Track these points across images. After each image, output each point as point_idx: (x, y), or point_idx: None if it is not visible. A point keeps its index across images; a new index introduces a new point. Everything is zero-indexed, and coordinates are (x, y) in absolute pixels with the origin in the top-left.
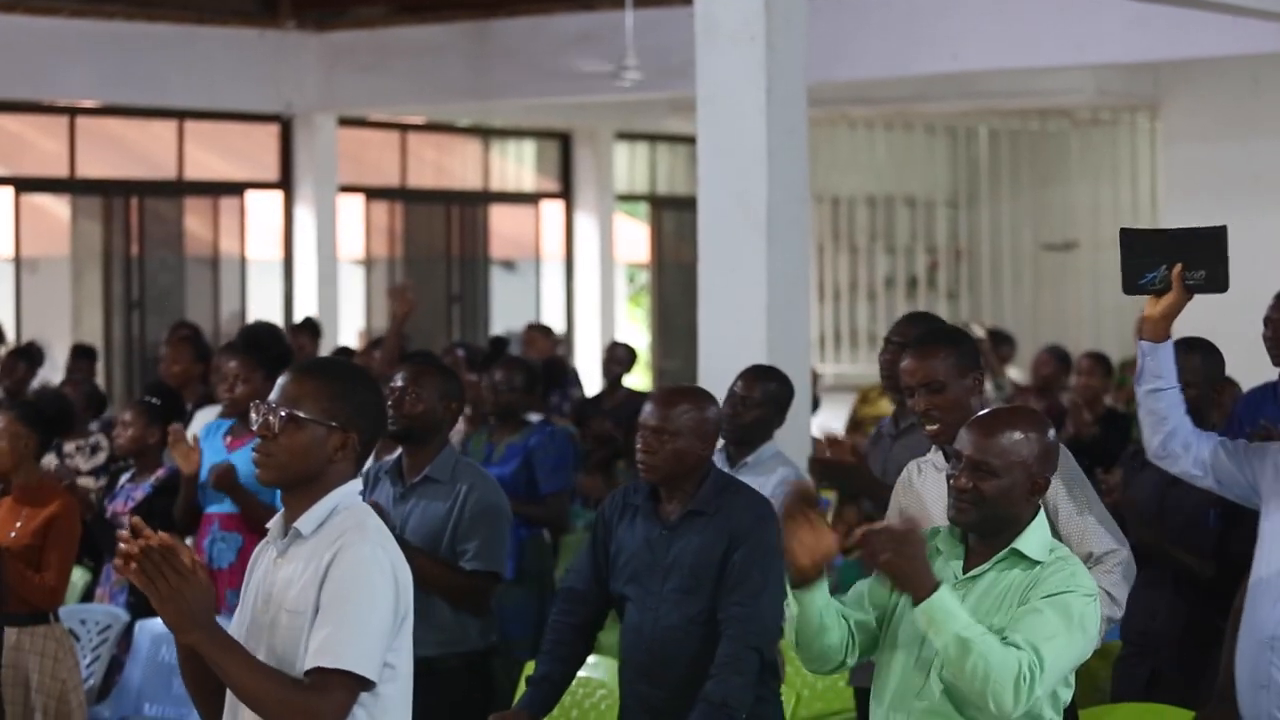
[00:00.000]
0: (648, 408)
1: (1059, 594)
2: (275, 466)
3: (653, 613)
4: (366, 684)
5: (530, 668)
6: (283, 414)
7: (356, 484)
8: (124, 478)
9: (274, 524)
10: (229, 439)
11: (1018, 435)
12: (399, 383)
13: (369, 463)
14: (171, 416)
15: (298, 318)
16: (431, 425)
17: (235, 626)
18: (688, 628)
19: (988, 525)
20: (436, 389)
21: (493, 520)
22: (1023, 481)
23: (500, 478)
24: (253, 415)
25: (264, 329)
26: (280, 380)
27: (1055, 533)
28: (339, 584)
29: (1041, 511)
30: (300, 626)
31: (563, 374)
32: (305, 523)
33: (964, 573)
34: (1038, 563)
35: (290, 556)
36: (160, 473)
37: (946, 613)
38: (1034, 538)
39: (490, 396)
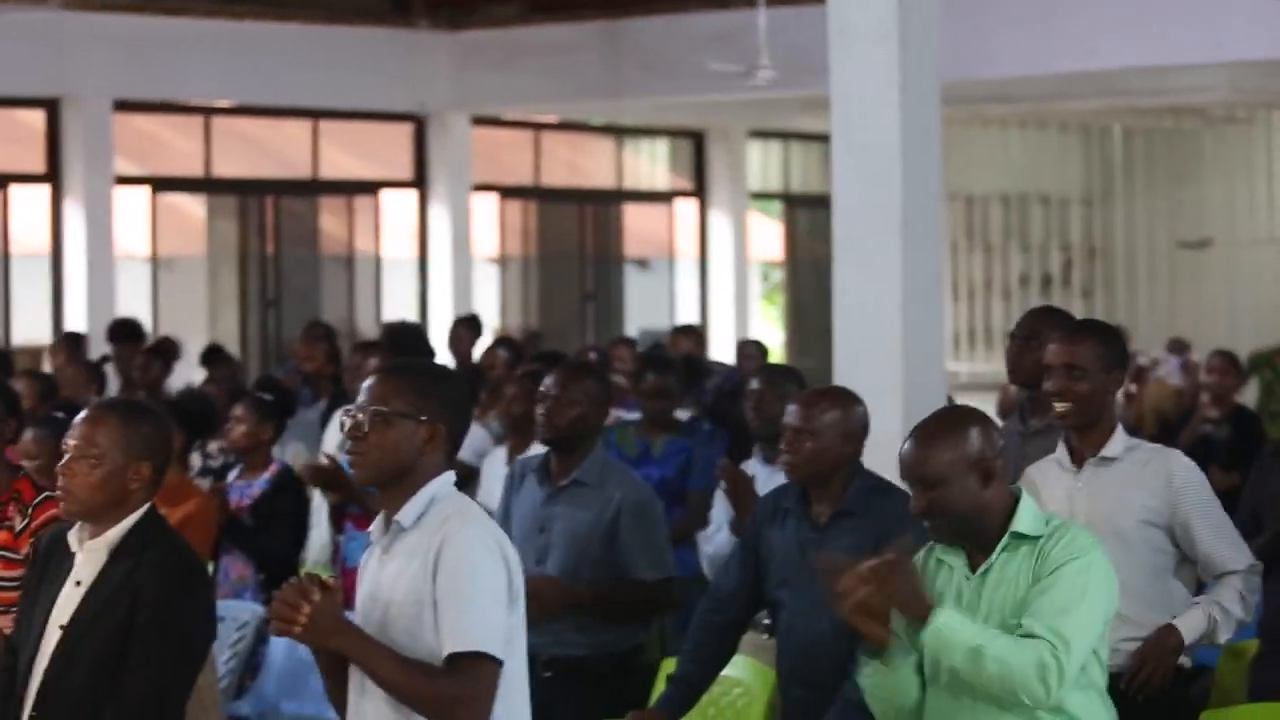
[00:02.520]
0: (791, 408)
1: (1063, 565)
2: (369, 464)
3: (805, 616)
4: (498, 663)
5: (669, 666)
6: (371, 412)
7: (451, 475)
8: (232, 474)
9: (375, 524)
10: None
11: (946, 440)
12: (551, 390)
13: (495, 454)
14: (283, 413)
15: (432, 316)
16: (583, 431)
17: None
18: (840, 630)
19: (964, 531)
20: (589, 393)
21: (652, 522)
22: (970, 480)
23: (662, 477)
24: (342, 419)
25: (406, 328)
26: (367, 382)
27: (1192, 556)
28: (452, 571)
29: (1021, 488)
30: (413, 618)
31: (700, 371)
32: (405, 515)
33: (972, 572)
34: (1037, 537)
35: (394, 552)
36: (274, 469)
37: (951, 630)
38: (1026, 516)
39: (647, 398)
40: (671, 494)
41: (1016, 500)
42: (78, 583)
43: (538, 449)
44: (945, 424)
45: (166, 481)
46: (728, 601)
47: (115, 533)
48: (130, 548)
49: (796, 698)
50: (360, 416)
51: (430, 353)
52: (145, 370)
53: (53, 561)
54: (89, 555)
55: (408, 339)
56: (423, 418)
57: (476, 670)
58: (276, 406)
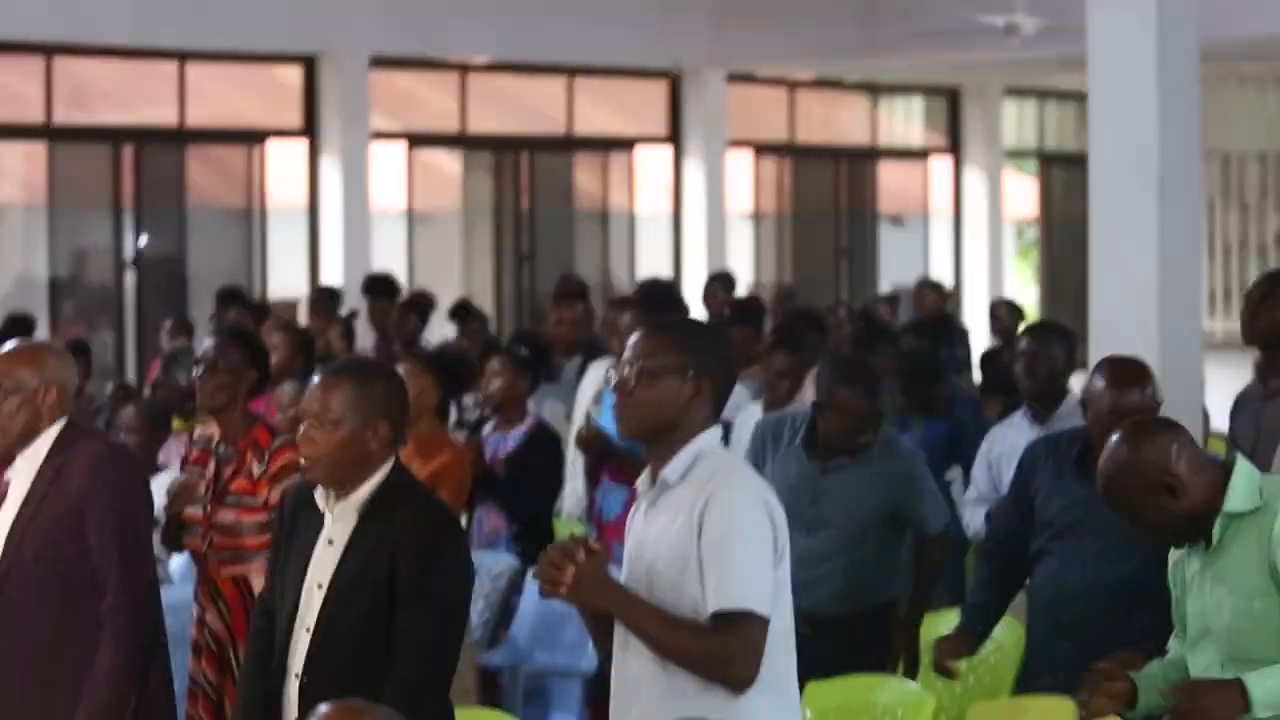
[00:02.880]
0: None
1: None
2: (634, 419)
3: (1079, 570)
4: (765, 620)
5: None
6: (638, 368)
7: (717, 430)
8: (488, 427)
9: (642, 479)
10: None
11: (1125, 479)
12: (830, 396)
13: (750, 409)
14: (539, 366)
15: (686, 273)
16: (870, 426)
17: (624, 577)
18: (1111, 588)
19: (1179, 538)
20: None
21: (925, 481)
22: (1160, 499)
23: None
24: (609, 374)
25: (660, 285)
26: (633, 338)
27: None
28: (718, 529)
29: (1236, 455)
30: (678, 574)
31: (951, 331)
32: (671, 471)
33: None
34: (1255, 511)
35: (661, 507)
36: (529, 423)
37: (1267, 692)
38: (1238, 492)
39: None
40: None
41: (1229, 473)
42: (330, 541)
43: (791, 408)
44: (1119, 466)
45: (422, 434)
46: (1007, 540)
47: (363, 493)
48: (380, 507)
49: (1063, 650)
50: (627, 372)
51: (684, 309)
52: (400, 324)
53: (301, 519)
54: (339, 515)
55: (662, 296)
56: (689, 373)
57: (744, 627)
58: (532, 361)
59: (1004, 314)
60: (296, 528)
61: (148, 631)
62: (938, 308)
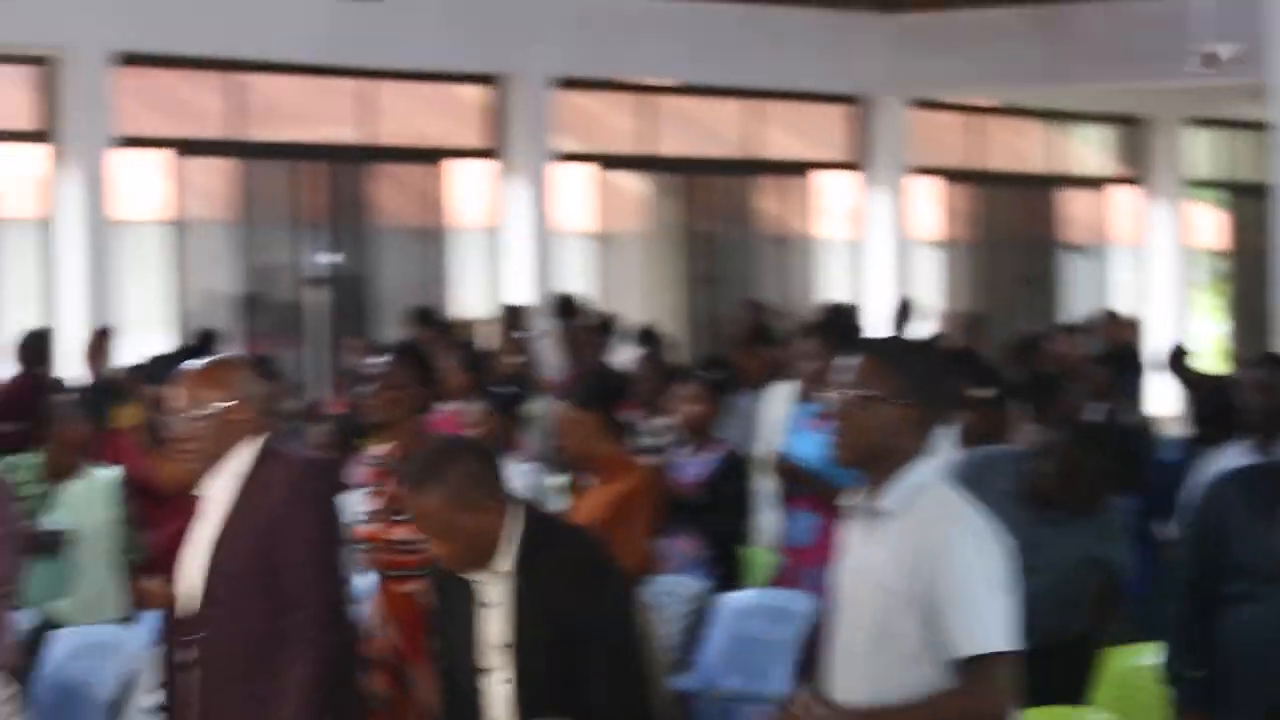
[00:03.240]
0: None
1: None
2: (848, 446)
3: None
4: (1015, 653)
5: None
6: (851, 394)
7: (935, 460)
8: (681, 450)
9: (856, 502)
10: (817, 420)
11: None
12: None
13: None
14: (726, 390)
15: (868, 299)
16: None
17: (835, 604)
18: None
19: None
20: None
21: (1122, 525)
22: None
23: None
24: (821, 401)
25: (843, 311)
26: (845, 363)
27: None
28: (955, 569)
29: None
30: (901, 605)
31: (1134, 363)
32: (890, 501)
33: None
34: None
35: (880, 536)
36: (722, 448)
37: None
38: None
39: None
40: None
41: None
42: (490, 604)
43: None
44: None
45: (606, 457)
46: (1200, 590)
47: (506, 560)
48: (527, 564)
49: (1253, 693)
50: (842, 398)
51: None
52: (587, 346)
53: (449, 584)
54: (489, 580)
55: (843, 322)
56: (903, 400)
57: (997, 668)
58: (721, 384)
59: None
60: (449, 593)
61: (341, 647)
62: (1123, 341)
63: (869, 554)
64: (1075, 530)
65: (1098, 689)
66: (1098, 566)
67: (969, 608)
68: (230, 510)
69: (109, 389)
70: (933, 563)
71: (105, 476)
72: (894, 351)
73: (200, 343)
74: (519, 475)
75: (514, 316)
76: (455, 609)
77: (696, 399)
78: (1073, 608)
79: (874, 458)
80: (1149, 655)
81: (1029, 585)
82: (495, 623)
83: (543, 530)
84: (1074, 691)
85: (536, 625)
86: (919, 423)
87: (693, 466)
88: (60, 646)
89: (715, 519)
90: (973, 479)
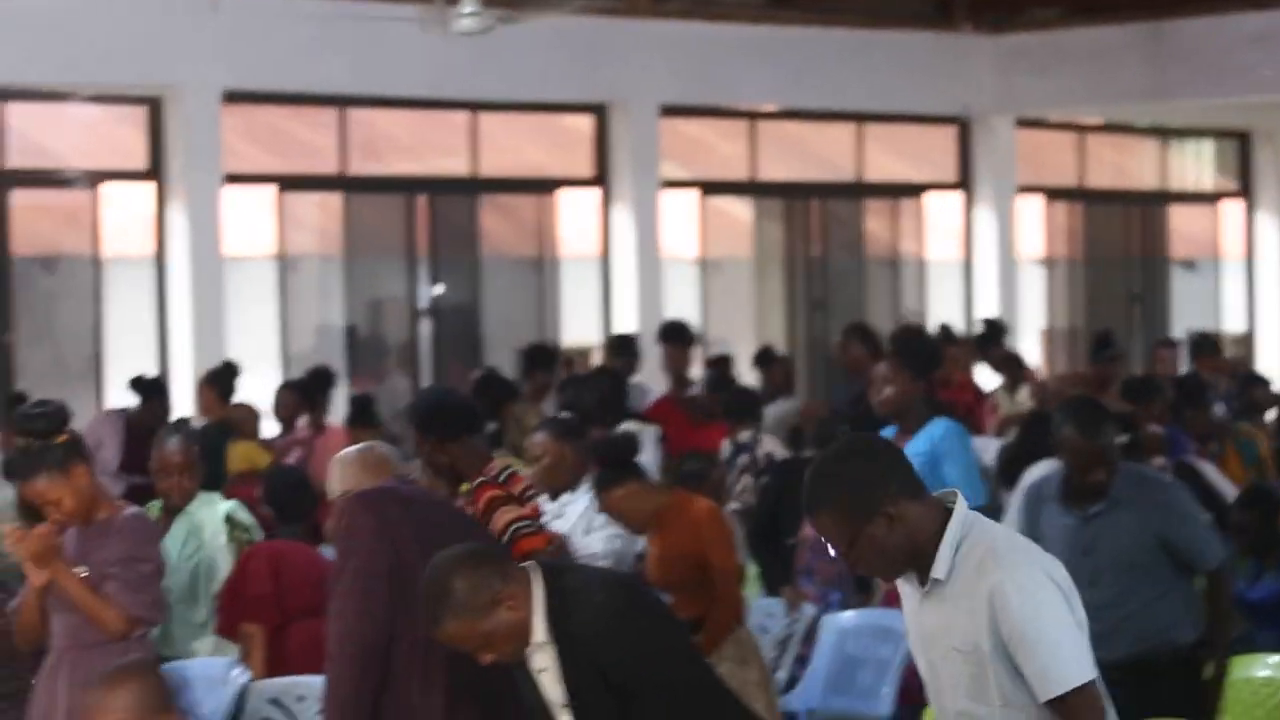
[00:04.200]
0: None
1: None
2: (888, 572)
3: None
4: (1093, 680)
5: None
6: (847, 548)
7: (958, 508)
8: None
9: (906, 578)
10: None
11: None
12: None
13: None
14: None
15: (977, 318)
16: (1111, 470)
17: (923, 669)
18: None
19: None
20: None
21: (1187, 507)
22: None
23: None
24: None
25: (913, 331)
26: (819, 524)
27: None
28: (1019, 620)
29: None
30: (981, 659)
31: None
32: (938, 570)
33: None
34: None
35: (936, 599)
36: None
37: None
38: None
39: None
40: None
41: None
42: (544, 669)
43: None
44: None
45: (647, 509)
46: None
47: (540, 631)
48: (558, 626)
49: None
50: (846, 556)
51: (936, 356)
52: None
53: None
54: (535, 649)
55: (913, 343)
56: (885, 509)
57: (1081, 703)
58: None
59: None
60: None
61: None
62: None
63: (934, 621)
64: (1125, 519)
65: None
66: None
67: (1040, 651)
68: None
69: (226, 428)
70: (990, 619)
71: (215, 510)
72: (834, 487)
73: (314, 380)
74: (602, 537)
75: (619, 345)
76: (524, 678)
77: (897, 379)
78: (1170, 610)
79: (912, 562)
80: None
81: (1109, 589)
82: (551, 686)
83: (563, 590)
84: (1188, 706)
85: (585, 681)
86: (905, 510)
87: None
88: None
89: None
90: (1037, 498)
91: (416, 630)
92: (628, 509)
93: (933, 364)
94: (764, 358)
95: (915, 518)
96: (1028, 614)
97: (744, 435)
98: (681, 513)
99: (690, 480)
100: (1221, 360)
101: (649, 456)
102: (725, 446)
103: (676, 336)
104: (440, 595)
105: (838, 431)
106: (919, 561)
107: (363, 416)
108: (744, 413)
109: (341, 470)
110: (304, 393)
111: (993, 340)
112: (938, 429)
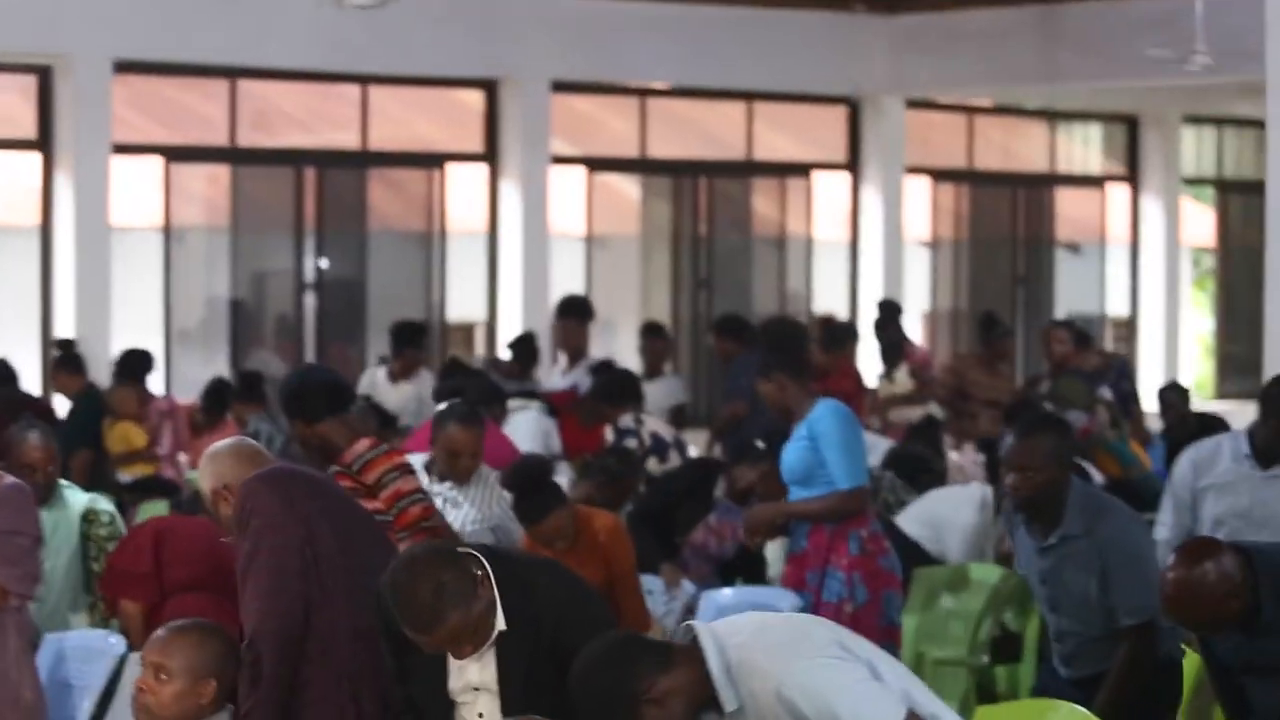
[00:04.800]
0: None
1: None
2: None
3: None
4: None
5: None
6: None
7: (708, 641)
8: None
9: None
10: None
11: None
12: (1014, 459)
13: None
14: None
15: (863, 299)
16: (1054, 495)
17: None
18: None
19: None
20: (1053, 456)
21: (1137, 561)
22: None
23: None
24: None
25: (784, 331)
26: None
27: None
28: (816, 706)
29: None
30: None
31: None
32: (727, 702)
33: None
34: None
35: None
36: None
37: None
38: None
39: None
40: None
41: None
42: (479, 689)
43: None
44: None
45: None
46: None
47: (488, 654)
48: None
49: None
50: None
51: (803, 349)
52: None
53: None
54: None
55: (782, 336)
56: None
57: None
58: None
59: (1175, 400)
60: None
61: None
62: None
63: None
64: (1072, 556)
65: None
66: None
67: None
68: None
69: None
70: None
71: (76, 503)
72: (602, 713)
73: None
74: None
75: (521, 348)
76: (426, 665)
77: None
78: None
79: (698, 710)
80: None
81: (1069, 620)
82: (475, 670)
83: (511, 574)
84: None
85: (533, 663)
86: (668, 670)
87: None
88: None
89: None
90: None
91: (333, 609)
92: (558, 535)
93: (806, 359)
94: (649, 331)
95: (678, 682)
96: (819, 697)
97: (626, 420)
98: (584, 531)
99: (605, 477)
100: (1092, 353)
101: (551, 443)
102: (608, 432)
103: (575, 311)
104: (436, 592)
105: (747, 442)
106: (707, 705)
107: (249, 394)
108: (624, 397)
109: (215, 464)
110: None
111: (888, 321)
112: (815, 410)
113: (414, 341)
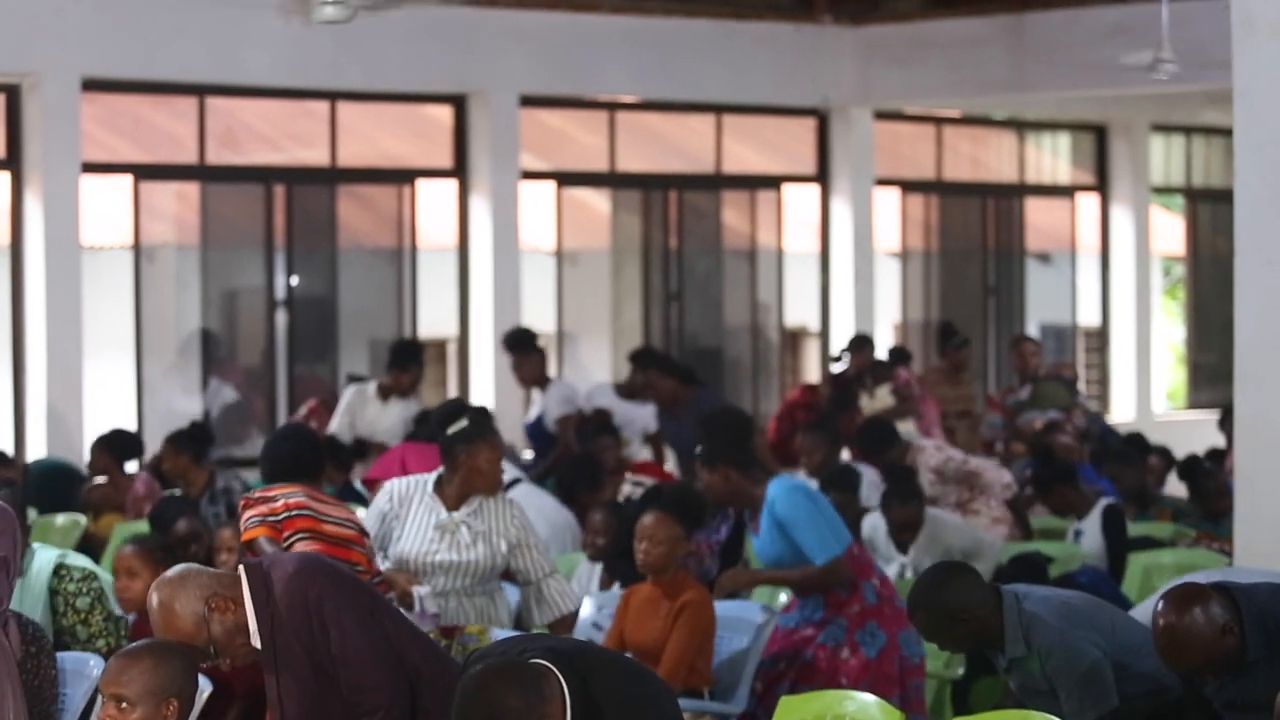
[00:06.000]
0: None
1: None
2: None
3: None
4: None
5: None
6: None
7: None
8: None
9: None
10: None
11: None
12: None
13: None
14: None
15: (834, 311)
16: (989, 634)
17: None
18: None
19: None
20: (972, 617)
21: (1070, 669)
22: None
23: None
24: None
25: (730, 413)
26: None
27: None
28: None
29: None
30: None
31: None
32: None
33: None
34: None
35: None
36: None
37: None
38: None
39: None
40: None
41: None
42: None
43: None
44: None
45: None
46: None
47: None
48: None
49: None
50: None
51: (749, 440)
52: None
53: None
54: None
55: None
56: None
57: None
58: None
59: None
60: None
61: None
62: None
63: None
64: None
65: None
66: None
67: None
68: None
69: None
70: None
71: (44, 561)
72: None
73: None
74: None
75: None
76: None
77: None
78: None
79: None
80: None
81: None
82: None
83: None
84: None
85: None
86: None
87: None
88: None
89: None
90: None
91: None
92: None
93: (751, 450)
94: (641, 358)
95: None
96: None
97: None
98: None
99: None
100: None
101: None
102: None
103: (515, 347)
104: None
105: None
106: None
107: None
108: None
109: (191, 583)
110: (112, 451)
111: (897, 363)
112: (770, 494)
113: (415, 360)
